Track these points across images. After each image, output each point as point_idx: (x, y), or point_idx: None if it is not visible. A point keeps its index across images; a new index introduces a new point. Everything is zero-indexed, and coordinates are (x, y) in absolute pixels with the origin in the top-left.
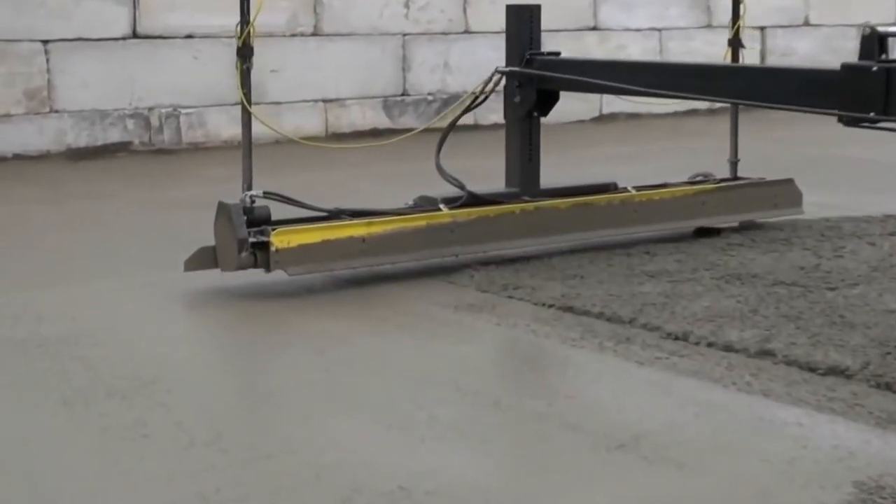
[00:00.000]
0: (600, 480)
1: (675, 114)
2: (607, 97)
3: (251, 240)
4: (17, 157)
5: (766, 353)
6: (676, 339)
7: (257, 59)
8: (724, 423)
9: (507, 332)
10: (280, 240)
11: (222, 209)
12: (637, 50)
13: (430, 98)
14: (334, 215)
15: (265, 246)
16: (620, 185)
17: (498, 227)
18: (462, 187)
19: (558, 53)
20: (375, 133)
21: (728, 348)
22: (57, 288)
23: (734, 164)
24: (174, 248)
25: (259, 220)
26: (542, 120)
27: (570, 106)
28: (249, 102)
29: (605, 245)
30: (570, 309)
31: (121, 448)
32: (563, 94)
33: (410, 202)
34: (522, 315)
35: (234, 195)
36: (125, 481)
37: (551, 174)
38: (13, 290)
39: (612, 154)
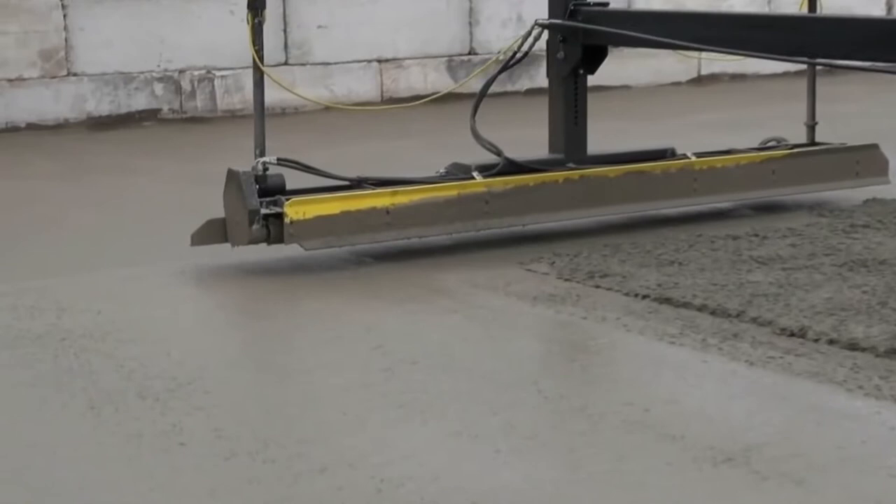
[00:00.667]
0: (705, 499)
1: (786, 74)
2: (706, 55)
3: (263, 211)
4: (32, 127)
5: None
6: (792, 335)
7: (302, 14)
8: (849, 434)
9: (595, 326)
10: (295, 211)
11: (232, 178)
12: (742, 0)
13: (500, 57)
14: (356, 184)
15: (279, 217)
16: (679, 151)
17: (538, 197)
18: (499, 153)
19: (606, 4)
20: (437, 98)
21: (853, 346)
22: (79, 275)
23: (811, 127)
24: None
25: (272, 190)
26: (630, 83)
27: (664, 66)
28: (262, 60)
29: (708, 225)
30: (667, 300)
31: (155, 458)
32: (657, 52)
33: (442, 170)
34: (612, 307)
35: (273, 168)
36: (160, 496)
37: (627, 144)
38: (31, 277)
39: (709, 121)
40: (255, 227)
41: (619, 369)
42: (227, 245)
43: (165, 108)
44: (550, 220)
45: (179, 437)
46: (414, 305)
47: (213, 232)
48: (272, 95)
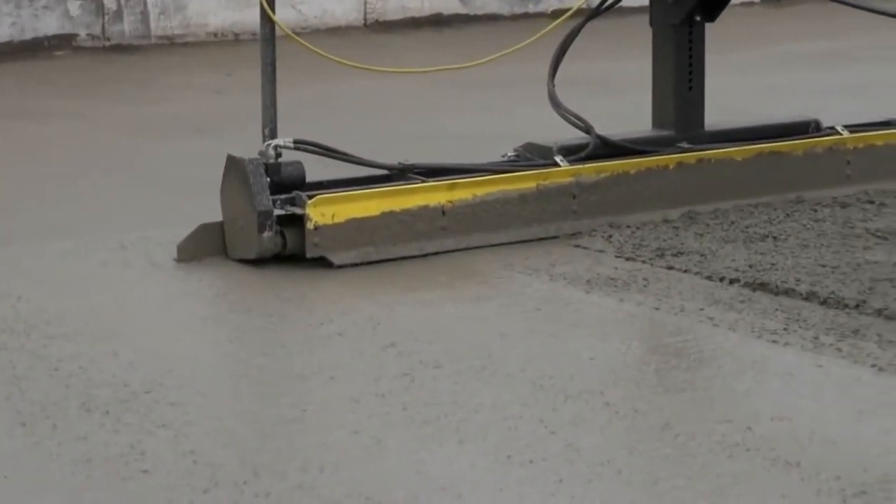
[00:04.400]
0: None
1: None
2: None
3: (277, 212)
4: None
5: None
6: None
7: None
8: None
9: (671, 320)
10: (321, 212)
11: (233, 167)
12: None
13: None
14: (399, 174)
15: (298, 221)
16: (825, 123)
17: (642, 189)
18: (588, 130)
19: None
20: (439, 22)
21: None
22: None
23: None
24: (153, 191)
25: (289, 183)
26: None
27: None
28: (272, 7)
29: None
30: (763, 286)
31: (111, 489)
32: None
33: (510, 153)
34: (691, 295)
35: (232, 112)
36: None
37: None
38: None
39: (795, 53)
40: (266, 234)
41: (708, 376)
42: (185, 212)
43: (83, 32)
44: (659, 218)
45: (141, 463)
46: (432, 292)
47: (208, 241)
48: (225, 17)
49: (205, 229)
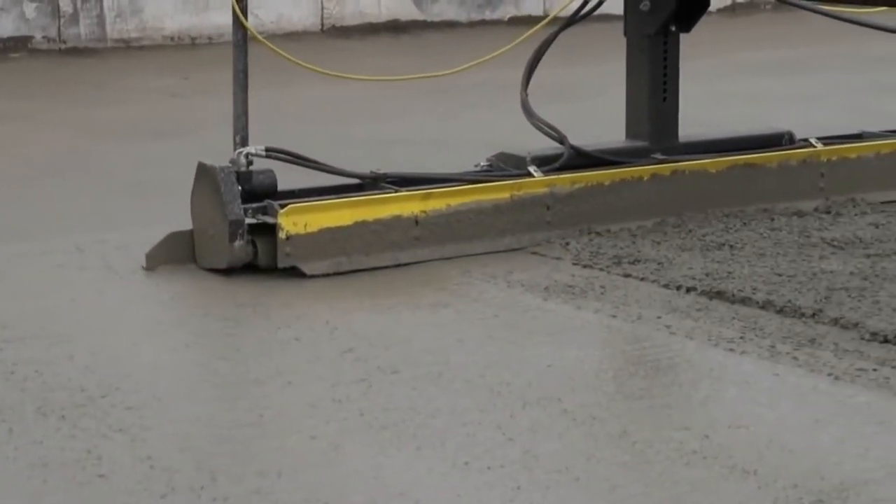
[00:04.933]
0: None
1: None
2: None
3: (249, 221)
4: None
5: None
6: (885, 341)
7: None
8: None
9: (628, 327)
10: (293, 221)
11: (204, 175)
12: None
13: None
14: (372, 183)
15: (270, 230)
16: (798, 135)
17: (616, 200)
18: (561, 140)
19: None
20: (396, 28)
21: None
22: None
23: None
24: (109, 194)
25: (260, 192)
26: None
27: None
28: (245, 13)
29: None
30: (719, 294)
31: (67, 494)
32: None
33: (483, 162)
34: (648, 302)
35: (189, 116)
36: None
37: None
38: None
39: (752, 62)
40: (237, 243)
41: (665, 384)
42: (141, 215)
43: (39, 35)
44: (634, 229)
45: (98, 468)
46: (390, 299)
47: (177, 249)
48: (182, 20)
49: (174, 238)
